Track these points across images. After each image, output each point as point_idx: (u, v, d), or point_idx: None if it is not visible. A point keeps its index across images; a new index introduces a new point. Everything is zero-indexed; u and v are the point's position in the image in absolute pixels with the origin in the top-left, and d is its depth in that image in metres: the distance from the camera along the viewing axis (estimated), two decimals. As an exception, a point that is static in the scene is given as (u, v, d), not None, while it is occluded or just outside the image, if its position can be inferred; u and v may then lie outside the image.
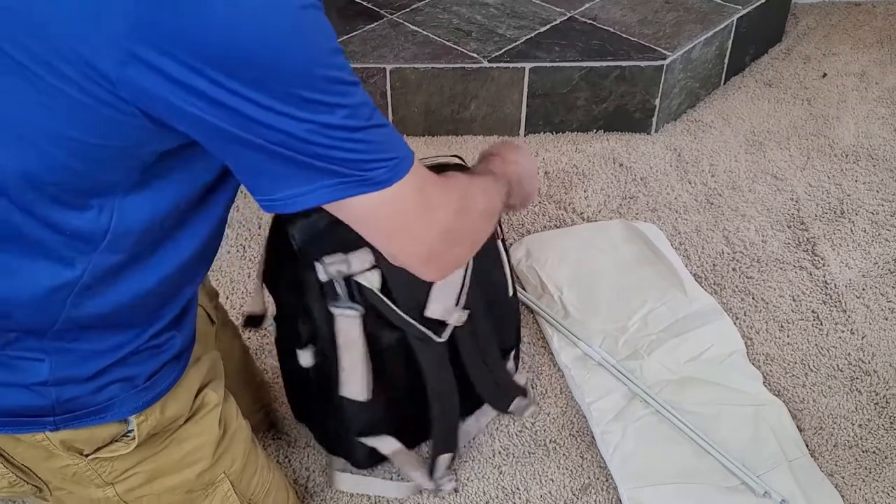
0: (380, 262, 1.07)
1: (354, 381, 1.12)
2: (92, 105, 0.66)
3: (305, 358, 1.14)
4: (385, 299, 1.08)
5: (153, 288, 0.83)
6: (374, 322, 1.10)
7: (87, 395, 0.84)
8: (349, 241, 1.02)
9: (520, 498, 1.27)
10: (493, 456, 1.32)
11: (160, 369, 0.88)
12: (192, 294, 0.92)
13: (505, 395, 1.30)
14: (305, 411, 1.32)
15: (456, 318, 1.14)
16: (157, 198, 0.77)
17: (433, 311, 1.11)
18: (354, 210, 0.75)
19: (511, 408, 1.32)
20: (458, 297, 1.13)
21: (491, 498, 1.27)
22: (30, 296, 0.77)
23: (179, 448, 0.94)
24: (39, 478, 0.90)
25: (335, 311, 1.07)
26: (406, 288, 1.09)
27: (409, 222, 0.79)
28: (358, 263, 1.07)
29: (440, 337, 1.12)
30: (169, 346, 0.89)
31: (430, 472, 1.24)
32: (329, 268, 1.06)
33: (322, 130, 0.68)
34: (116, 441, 0.88)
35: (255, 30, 0.63)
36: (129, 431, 0.88)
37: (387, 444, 1.22)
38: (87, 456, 0.88)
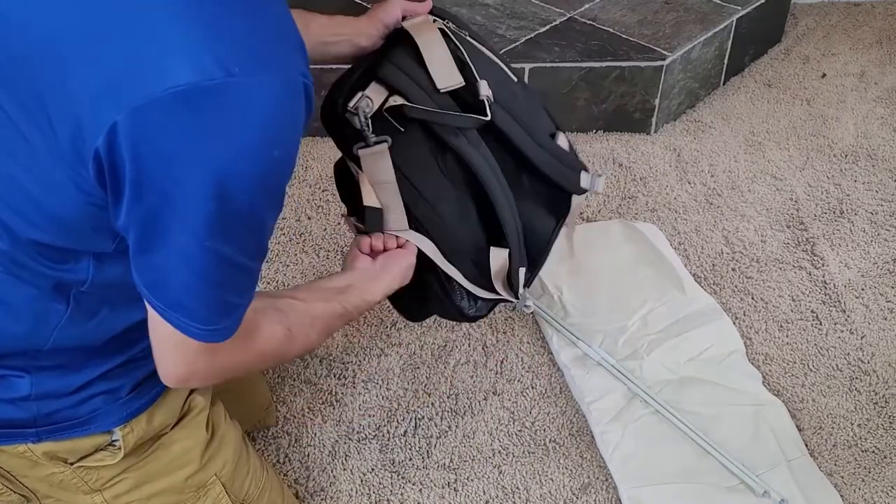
0: (396, 85, 1.02)
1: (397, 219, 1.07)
2: (68, 185, 0.68)
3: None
4: (423, 107, 1.03)
5: (137, 322, 0.84)
6: (409, 152, 1.05)
7: (69, 407, 0.84)
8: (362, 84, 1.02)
9: (520, 497, 1.27)
10: (493, 455, 1.32)
11: (144, 381, 0.89)
12: None
13: (570, 168, 1.18)
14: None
15: (483, 87, 1.06)
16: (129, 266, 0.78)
17: (443, 81, 1.04)
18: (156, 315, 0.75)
19: (583, 184, 1.18)
20: (461, 68, 1.07)
21: (491, 497, 1.27)
22: (19, 324, 0.79)
23: (167, 452, 0.94)
24: (26, 487, 0.91)
25: (362, 153, 1.02)
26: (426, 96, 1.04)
27: (178, 357, 0.79)
28: (377, 95, 1.02)
29: (485, 115, 1.05)
30: (152, 357, 0.89)
31: (512, 287, 1.16)
32: (360, 106, 1.00)
33: (202, 244, 0.69)
34: (101, 450, 0.89)
35: (231, 156, 0.65)
36: (115, 441, 0.89)
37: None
38: (71, 464, 0.88)
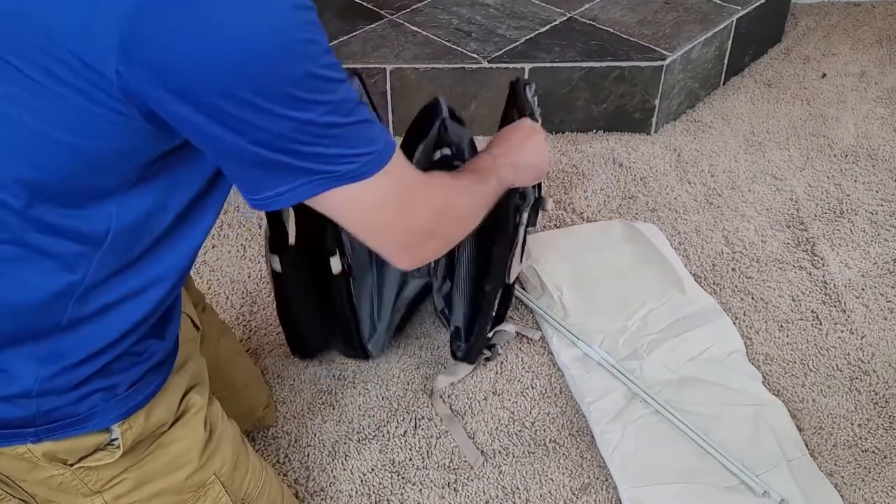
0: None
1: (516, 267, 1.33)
2: (89, 107, 0.67)
3: (336, 264, 1.24)
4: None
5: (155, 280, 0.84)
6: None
7: (68, 405, 0.83)
8: None
9: (520, 497, 1.27)
10: (493, 455, 1.32)
11: (142, 378, 0.88)
12: (174, 301, 0.92)
13: None
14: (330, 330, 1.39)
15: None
16: (157, 197, 0.78)
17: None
18: (333, 203, 0.77)
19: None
20: None
21: (491, 497, 1.27)
22: (34, 301, 0.78)
23: (166, 452, 0.94)
24: (25, 491, 0.90)
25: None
26: None
27: (385, 216, 0.81)
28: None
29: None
30: (149, 353, 0.89)
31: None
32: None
33: (303, 127, 0.69)
34: (100, 450, 0.88)
35: (243, 45, 0.64)
36: (114, 440, 0.88)
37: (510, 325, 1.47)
38: (71, 465, 0.87)
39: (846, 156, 1.93)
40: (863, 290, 1.59)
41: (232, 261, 1.66)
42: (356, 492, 1.28)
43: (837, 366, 1.45)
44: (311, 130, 0.70)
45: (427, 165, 1.34)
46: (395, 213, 0.81)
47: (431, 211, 0.86)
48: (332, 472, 1.30)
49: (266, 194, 0.75)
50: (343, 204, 0.77)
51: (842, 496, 1.25)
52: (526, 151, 1.15)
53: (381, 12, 2.10)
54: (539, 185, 1.42)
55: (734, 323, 1.51)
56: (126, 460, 0.90)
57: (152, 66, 0.64)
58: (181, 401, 0.95)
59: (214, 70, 0.64)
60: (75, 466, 0.87)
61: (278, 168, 0.72)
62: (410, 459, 1.32)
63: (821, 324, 1.53)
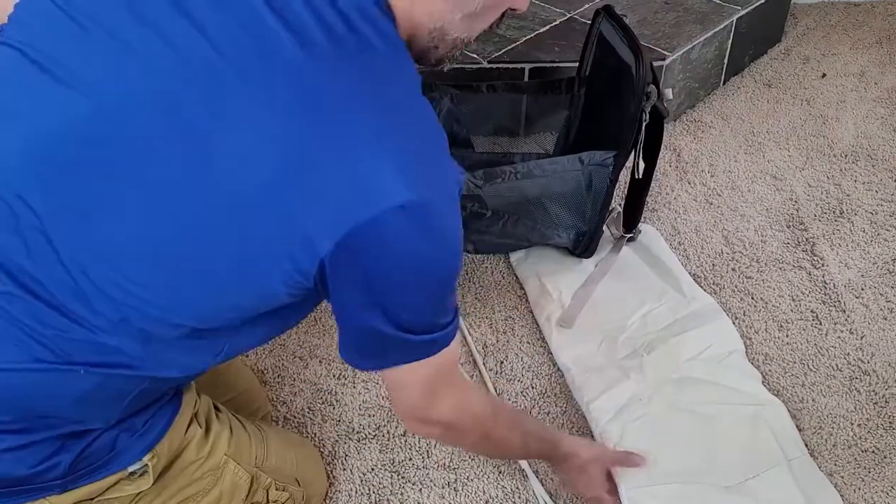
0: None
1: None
2: (278, 294, 0.79)
3: None
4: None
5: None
6: None
7: (95, 451, 0.85)
8: None
9: (519, 497, 1.27)
10: (493, 455, 1.32)
11: (152, 416, 0.91)
12: None
13: None
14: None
15: None
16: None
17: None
18: (394, 374, 0.88)
19: None
20: None
21: (491, 497, 1.27)
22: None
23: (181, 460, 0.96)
24: None
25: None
26: None
27: (409, 391, 0.91)
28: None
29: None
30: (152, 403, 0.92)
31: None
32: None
33: (422, 320, 0.82)
34: (122, 481, 0.89)
35: (432, 273, 0.79)
36: (133, 472, 0.90)
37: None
38: (92, 499, 0.88)
39: (846, 156, 1.93)
40: (862, 290, 1.59)
41: (232, 261, 1.66)
42: (356, 491, 1.28)
43: (837, 366, 1.45)
44: (430, 329, 0.83)
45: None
46: (420, 394, 0.91)
47: (451, 412, 0.95)
48: (332, 471, 1.31)
49: (369, 362, 0.88)
50: (401, 375, 0.88)
51: (842, 496, 1.25)
52: (575, 482, 1.23)
53: (381, 12, 2.10)
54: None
55: (734, 323, 1.51)
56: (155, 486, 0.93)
57: (354, 283, 0.77)
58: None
59: (403, 292, 0.79)
60: (97, 500, 0.88)
61: (365, 353, 0.86)
62: (410, 459, 1.32)
63: (820, 324, 1.53)
